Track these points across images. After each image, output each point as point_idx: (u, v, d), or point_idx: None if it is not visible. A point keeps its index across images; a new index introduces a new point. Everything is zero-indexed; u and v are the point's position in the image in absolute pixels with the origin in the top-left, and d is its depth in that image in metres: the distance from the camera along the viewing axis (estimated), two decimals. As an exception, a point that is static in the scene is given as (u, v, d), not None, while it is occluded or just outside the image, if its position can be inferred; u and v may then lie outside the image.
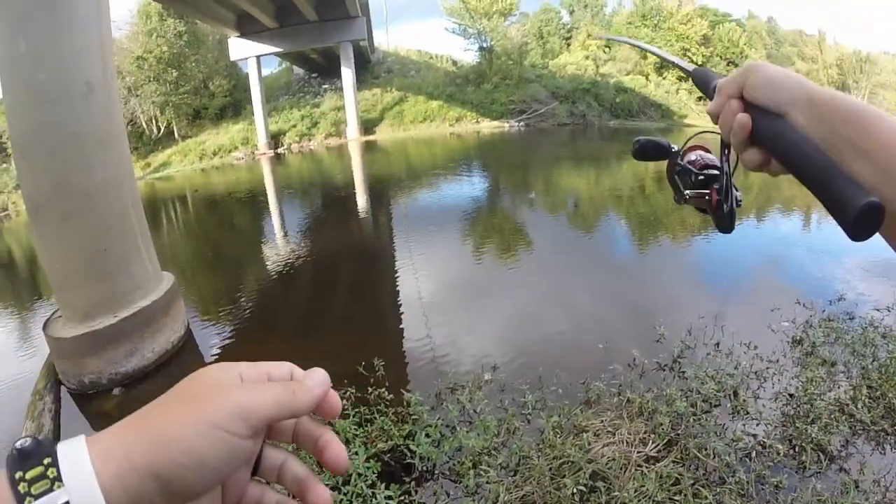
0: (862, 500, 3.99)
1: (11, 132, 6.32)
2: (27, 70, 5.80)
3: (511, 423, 4.30)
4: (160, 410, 0.43)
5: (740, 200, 0.95)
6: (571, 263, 9.25)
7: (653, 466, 3.87)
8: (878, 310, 7.95)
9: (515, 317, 7.18)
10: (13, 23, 5.70)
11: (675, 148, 1.07)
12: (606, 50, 41.51)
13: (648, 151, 1.12)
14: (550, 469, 3.76)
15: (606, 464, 3.84)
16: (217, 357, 6.97)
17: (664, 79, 41.07)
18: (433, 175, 19.30)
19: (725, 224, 0.95)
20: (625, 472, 3.77)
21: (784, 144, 0.65)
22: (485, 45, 34.34)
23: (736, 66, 44.02)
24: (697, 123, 37.15)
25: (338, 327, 7.40)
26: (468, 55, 37.67)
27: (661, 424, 4.26)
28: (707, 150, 1.07)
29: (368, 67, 36.78)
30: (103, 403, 6.01)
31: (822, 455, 4.46)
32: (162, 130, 32.50)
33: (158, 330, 6.79)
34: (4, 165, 27.93)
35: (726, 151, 0.90)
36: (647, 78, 40.12)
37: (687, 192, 1.02)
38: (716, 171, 1.00)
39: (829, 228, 15.70)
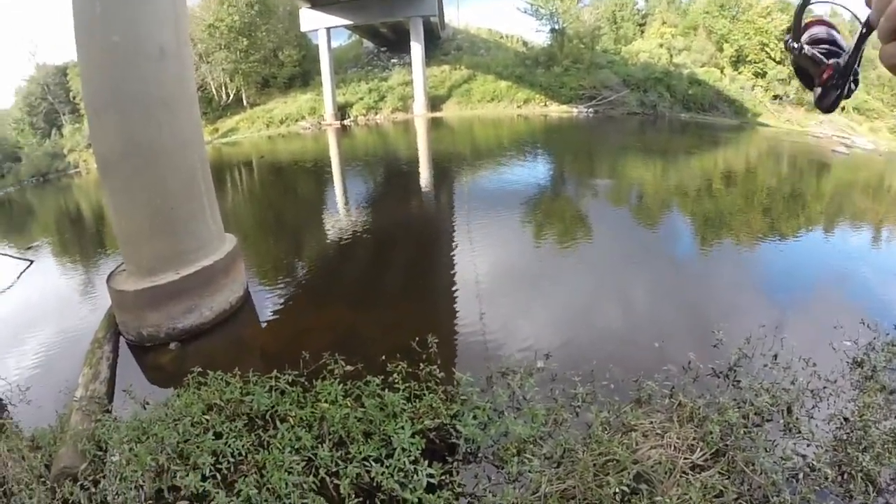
0: None
1: (85, 93, 6.60)
2: (102, 32, 5.99)
3: (560, 413, 4.27)
4: None
5: (854, 90, 0.89)
6: (631, 257, 9.02)
7: (698, 475, 3.80)
8: None
9: (571, 306, 7.09)
10: (91, -14, 5.87)
11: None
12: (682, 38, 40.06)
13: None
14: (595, 465, 3.72)
15: (652, 466, 3.78)
16: (273, 320, 7.16)
17: (740, 73, 39.22)
18: (498, 156, 19.09)
19: (829, 103, 0.90)
20: (669, 477, 3.70)
21: None
22: (557, 27, 33.41)
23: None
24: (772, 123, 35.56)
25: (393, 301, 7.47)
26: (539, 37, 36.81)
27: (711, 433, 4.16)
28: (835, 28, 0.97)
29: (438, 44, 36.52)
30: (159, 356, 6.27)
31: (870, 485, 4.30)
32: (231, 97, 33.21)
33: (218, 290, 7.03)
34: (77, 125, 29.30)
35: (864, 31, 0.81)
36: (721, 71, 38.35)
37: (806, 47, 0.94)
38: (839, 50, 0.92)
39: None
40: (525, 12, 34.16)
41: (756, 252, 10.31)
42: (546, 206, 12.41)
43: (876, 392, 5.69)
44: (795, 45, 0.96)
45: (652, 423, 4.19)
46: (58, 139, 29.79)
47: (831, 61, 0.90)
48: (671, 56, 36.74)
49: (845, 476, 4.35)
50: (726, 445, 4.15)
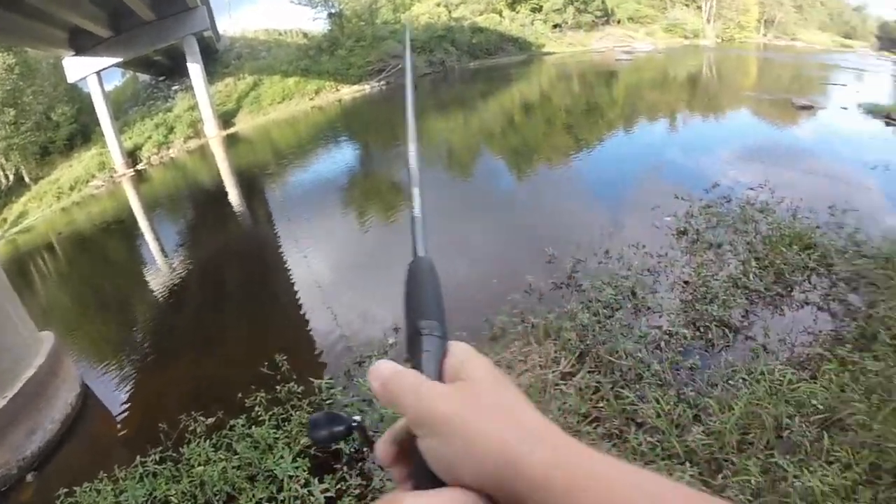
0: (773, 360, 4.32)
1: None
2: None
3: (423, 378, 4.24)
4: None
5: None
6: (455, 208, 9.23)
7: (570, 381, 3.99)
8: (751, 189, 8.62)
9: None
10: None
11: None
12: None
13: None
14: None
15: (527, 391, 3.87)
16: (122, 401, 6.46)
17: (518, 13, 41.59)
18: (301, 154, 18.72)
19: None
20: (545, 394, 3.82)
21: None
22: (333, 10, 33.16)
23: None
24: (557, 50, 38.12)
25: (237, 332, 7.09)
26: (318, 24, 36.30)
27: (570, 340, 4.36)
28: None
29: (217, 58, 34.62)
30: (19, 496, 5.50)
31: (726, 330, 4.79)
32: (11, 179, 29.39)
33: (52, 396, 6.24)
34: None
35: None
36: (500, 14, 40.48)
37: None
38: None
39: (695, 126, 16.74)
40: (300, 3, 33.41)
41: (569, 167, 11.03)
42: (361, 186, 12.44)
43: (705, 251, 6.36)
44: None
45: (512, 352, 4.33)
46: None
47: None
48: (450, 12, 37.90)
49: (702, 330, 4.80)
50: (587, 346, 4.39)
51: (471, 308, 5.37)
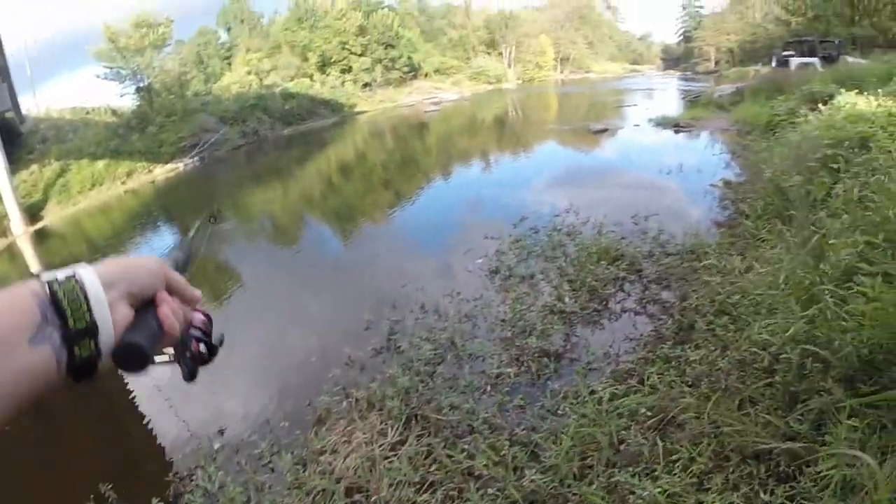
0: (598, 377, 4.47)
1: None
2: None
3: (255, 480, 3.95)
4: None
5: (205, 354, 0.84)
6: (275, 284, 8.88)
7: (400, 451, 3.86)
8: (557, 215, 9.21)
9: (229, 370, 5.97)
10: None
11: None
12: (268, 60, 41.40)
13: None
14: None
15: (356, 473, 3.73)
16: None
17: (328, 75, 42.42)
18: (119, 244, 16.74)
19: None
20: (374, 472, 3.68)
21: None
22: (142, 84, 31.40)
23: (394, 47, 47.39)
24: (368, 109, 39.21)
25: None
26: (127, 100, 34.04)
27: (394, 408, 4.24)
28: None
29: (20, 142, 30.90)
30: None
31: (549, 358, 4.87)
32: None
33: None
34: None
35: None
36: (311, 78, 41.18)
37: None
38: None
39: (505, 163, 17.86)
40: (105, 78, 31.23)
41: (389, 223, 11.30)
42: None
43: (518, 285, 6.57)
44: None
45: (337, 433, 4.15)
46: None
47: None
48: (261, 80, 37.77)
49: (525, 365, 4.84)
50: (412, 409, 4.27)
51: (293, 393, 5.13)
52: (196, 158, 26.09)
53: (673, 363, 4.26)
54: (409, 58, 49.33)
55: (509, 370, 4.71)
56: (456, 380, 4.67)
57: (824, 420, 2.89)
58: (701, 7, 73.16)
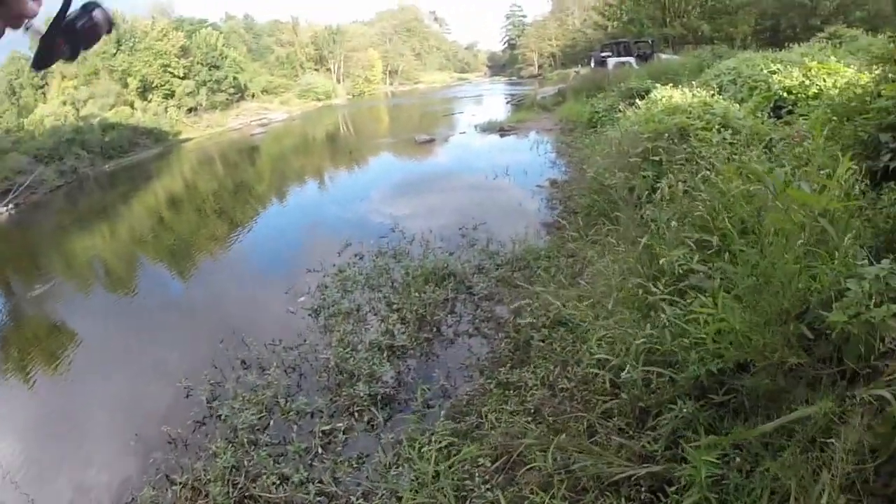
0: (434, 420, 4.11)
1: None
2: None
3: None
4: None
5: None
6: (88, 353, 7.50)
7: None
8: (383, 237, 8.86)
9: (50, 470, 5.15)
10: None
11: None
12: (85, 88, 38.10)
13: None
14: None
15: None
16: None
17: (150, 102, 40.01)
18: None
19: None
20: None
21: None
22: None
23: (219, 68, 45.40)
24: (195, 135, 37.44)
25: None
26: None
27: (216, 493, 3.84)
28: None
29: None
30: None
31: (378, 407, 4.54)
32: None
33: None
34: None
35: None
36: (132, 106, 38.54)
37: None
38: None
39: (333, 185, 17.75)
40: None
41: (226, 256, 10.79)
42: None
43: (343, 322, 6.08)
44: None
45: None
46: None
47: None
48: (77, 111, 34.73)
49: (358, 414, 4.54)
50: (241, 490, 3.95)
51: (112, 488, 4.46)
52: (10, 207, 22.55)
53: (512, 390, 4.11)
54: (235, 78, 47.70)
55: (340, 424, 4.35)
56: (285, 445, 4.28)
57: (679, 435, 2.81)
58: (524, 16, 79.33)
